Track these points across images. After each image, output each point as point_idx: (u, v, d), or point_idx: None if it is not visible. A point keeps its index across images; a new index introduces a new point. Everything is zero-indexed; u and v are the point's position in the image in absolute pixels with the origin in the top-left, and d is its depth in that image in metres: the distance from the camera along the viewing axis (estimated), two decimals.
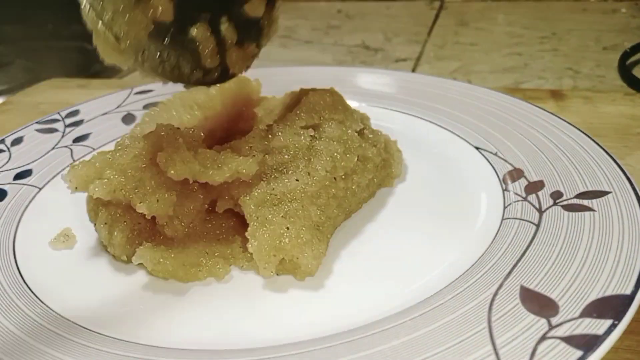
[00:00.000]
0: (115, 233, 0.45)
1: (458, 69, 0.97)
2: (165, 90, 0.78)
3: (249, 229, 0.44)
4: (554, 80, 0.89)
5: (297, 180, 0.47)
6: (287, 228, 0.43)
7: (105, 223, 0.46)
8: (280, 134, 0.51)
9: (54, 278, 0.46)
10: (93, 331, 0.39)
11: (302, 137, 0.51)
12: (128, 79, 1.05)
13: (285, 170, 0.48)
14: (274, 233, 0.43)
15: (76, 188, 0.46)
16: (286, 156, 0.49)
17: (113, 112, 0.73)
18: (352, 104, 0.71)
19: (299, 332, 0.38)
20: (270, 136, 0.51)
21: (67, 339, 0.38)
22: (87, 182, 0.46)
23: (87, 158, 0.62)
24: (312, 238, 0.44)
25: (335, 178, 0.49)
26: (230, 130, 0.59)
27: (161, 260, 0.44)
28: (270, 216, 0.44)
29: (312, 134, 0.51)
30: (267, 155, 0.49)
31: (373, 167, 0.53)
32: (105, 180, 0.45)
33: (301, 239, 0.43)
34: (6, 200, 0.55)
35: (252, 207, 0.45)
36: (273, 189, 0.46)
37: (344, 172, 0.50)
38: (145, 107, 0.74)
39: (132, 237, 0.46)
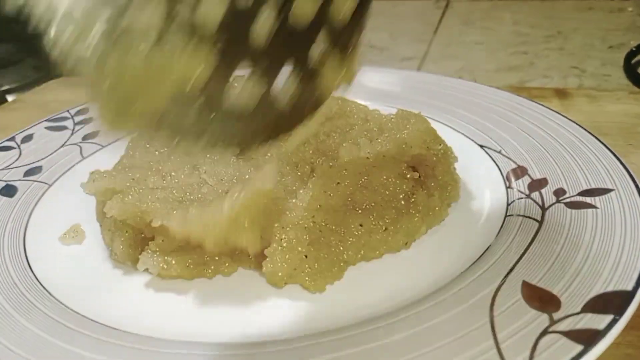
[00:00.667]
0: (117, 242, 0.46)
1: (463, 67, 0.97)
2: None
3: (269, 248, 0.43)
4: (559, 79, 0.89)
5: (360, 225, 0.44)
6: (306, 256, 0.42)
7: (109, 229, 0.47)
8: (383, 170, 0.46)
9: (64, 273, 0.46)
10: (102, 324, 0.40)
11: (405, 185, 0.47)
12: None
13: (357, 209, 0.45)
14: (292, 260, 0.42)
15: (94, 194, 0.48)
16: (378, 197, 0.46)
17: None
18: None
19: (302, 326, 0.39)
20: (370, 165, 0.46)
21: (76, 331, 0.39)
22: (105, 195, 0.47)
23: (96, 156, 0.64)
24: (332, 267, 0.43)
25: (385, 228, 0.45)
26: None
27: (165, 266, 0.44)
28: (295, 240, 0.43)
29: (416, 177, 0.47)
30: (358, 190, 0.46)
31: (421, 219, 0.47)
32: (120, 202, 0.45)
33: (316, 268, 0.42)
34: (17, 196, 0.56)
35: (278, 226, 0.43)
36: (313, 216, 0.44)
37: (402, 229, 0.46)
38: None
39: (134, 243, 0.46)
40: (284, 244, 0.43)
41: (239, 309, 0.42)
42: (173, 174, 0.49)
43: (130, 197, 0.45)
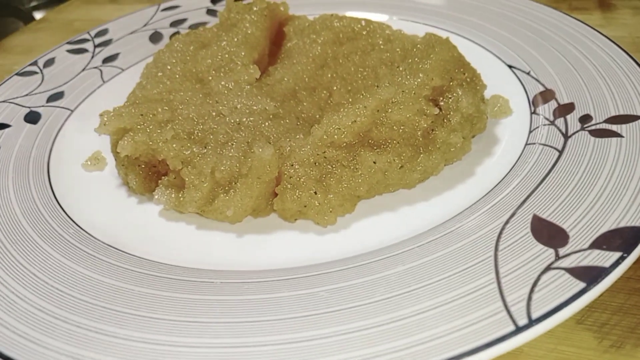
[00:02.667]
0: (131, 176, 0.47)
1: None
2: (191, 7, 0.77)
3: (279, 186, 0.43)
4: None
5: (374, 162, 0.43)
6: (315, 193, 0.42)
7: (123, 164, 0.47)
8: (402, 106, 0.44)
9: (86, 199, 0.48)
10: (121, 250, 0.42)
11: (424, 121, 0.44)
12: None
13: (375, 148, 0.44)
14: (302, 197, 0.42)
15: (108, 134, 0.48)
16: (395, 133, 0.44)
17: (140, 31, 0.73)
18: (381, 17, 0.69)
19: (306, 257, 0.40)
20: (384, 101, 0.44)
21: (96, 258, 0.41)
22: (117, 134, 0.47)
23: (116, 79, 0.64)
24: (343, 202, 0.43)
25: (401, 166, 0.44)
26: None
27: (177, 201, 0.44)
28: (304, 178, 0.42)
29: (436, 112, 0.45)
30: (373, 128, 0.44)
31: (441, 155, 0.45)
32: (132, 141, 0.45)
33: (327, 204, 0.42)
34: (40, 122, 0.57)
35: (287, 164, 0.43)
36: (324, 152, 0.43)
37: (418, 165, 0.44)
38: (172, 24, 0.73)
39: (148, 176, 0.47)
40: (293, 182, 0.43)
41: (249, 239, 0.43)
42: (183, 105, 0.48)
43: (140, 135, 0.45)
